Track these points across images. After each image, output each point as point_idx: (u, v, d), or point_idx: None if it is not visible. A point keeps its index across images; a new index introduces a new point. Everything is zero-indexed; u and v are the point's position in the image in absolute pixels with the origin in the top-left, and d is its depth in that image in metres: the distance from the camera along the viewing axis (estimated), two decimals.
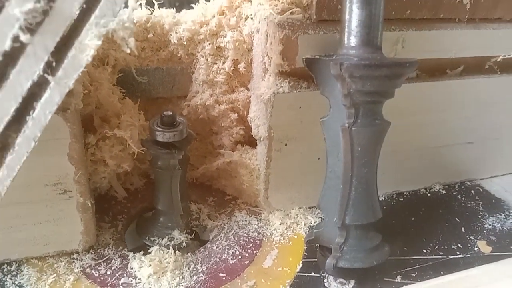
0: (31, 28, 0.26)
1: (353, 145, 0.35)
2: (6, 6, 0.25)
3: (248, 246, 0.42)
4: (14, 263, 0.39)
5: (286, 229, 0.45)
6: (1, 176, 0.30)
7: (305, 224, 0.45)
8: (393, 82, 0.33)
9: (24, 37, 0.26)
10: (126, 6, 0.26)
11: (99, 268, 0.39)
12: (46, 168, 0.36)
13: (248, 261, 0.40)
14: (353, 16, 0.33)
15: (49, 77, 0.27)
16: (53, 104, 0.28)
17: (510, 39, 0.47)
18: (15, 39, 0.26)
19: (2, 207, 0.35)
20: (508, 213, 0.50)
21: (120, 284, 0.38)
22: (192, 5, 0.46)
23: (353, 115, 0.34)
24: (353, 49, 0.34)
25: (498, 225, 0.48)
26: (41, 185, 0.37)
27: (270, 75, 0.41)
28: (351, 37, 0.34)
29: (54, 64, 0.27)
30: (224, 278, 0.38)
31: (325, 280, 0.39)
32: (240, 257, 0.41)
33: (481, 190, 0.54)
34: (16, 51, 0.26)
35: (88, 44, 0.26)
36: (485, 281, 0.35)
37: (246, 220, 0.46)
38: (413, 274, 0.40)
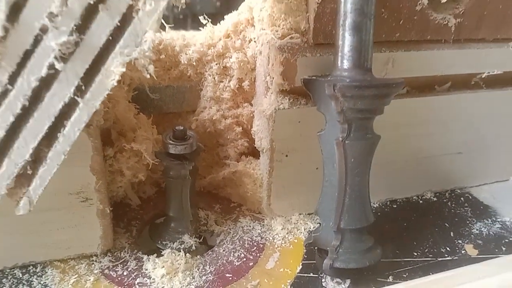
0: (64, 57, 0.30)
1: (347, 157, 0.38)
2: (44, 39, 0.29)
3: (252, 249, 0.45)
4: (39, 264, 0.42)
5: (287, 233, 0.47)
6: (34, 186, 0.34)
7: (304, 229, 0.48)
8: (381, 100, 0.37)
9: (58, 65, 0.29)
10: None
11: (116, 269, 0.42)
12: (70, 178, 0.39)
13: (252, 263, 0.43)
14: (345, 42, 0.37)
15: (79, 99, 0.31)
16: (81, 123, 0.32)
17: (493, 58, 0.50)
18: (51, 66, 0.30)
19: (31, 213, 0.38)
20: (495, 219, 0.53)
21: (136, 283, 0.40)
22: (199, 17, 0.48)
23: (346, 130, 0.37)
24: (346, 71, 0.37)
25: (485, 230, 0.50)
26: (66, 194, 0.40)
27: (272, 93, 0.44)
28: (344, 60, 0.37)
29: (83, 87, 0.31)
30: (230, 278, 0.41)
31: (323, 280, 0.42)
32: (245, 259, 0.44)
33: (470, 197, 0.57)
34: (50, 77, 0.30)
35: (113, 70, 0.30)
36: (468, 279, 0.38)
37: (250, 226, 0.49)
38: (404, 275, 0.43)
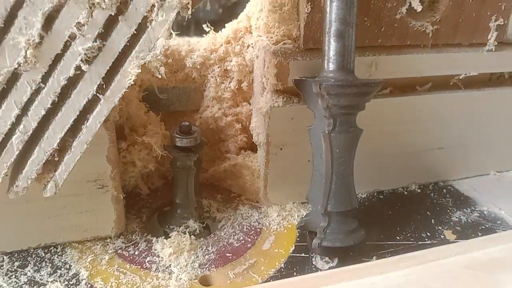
0: (89, 60, 0.34)
1: (332, 148, 0.42)
2: (72, 45, 0.34)
3: (250, 233, 0.49)
4: (59, 245, 0.46)
5: (282, 219, 0.51)
6: (60, 171, 0.38)
7: (298, 216, 0.52)
8: (362, 98, 0.41)
9: (84, 67, 0.34)
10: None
11: (128, 249, 0.46)
12: (89, 167, 0.43)
13: (250, 245, 0.47)
14: (331, 47, 0.41)
15: (100, 96, 0.35)
16: (102, 116, 0.37)
17: (469, 61, 0.54)
18: (77, 68, 0.34)
19: (53, 199, 0.42)
20: (473, 208, 0.56)
21: (146, 261, 0.45)
22: (203, 25, 0.52)
23: (331, 124, 0.41)
24: (331, 73, 0.42)
25: (464, 218, 0.54)
26: (84, 181, 0.44)
27: (267, 93, 0.48)
28: (330, 63, 0.42)
29: (104, 86, 0.35)
30: (230, 257, 0.46)
31: (313, 260, 0.46)
32: (243, 241, 0.48)
33: (452, 189, 0.61)
34: (77, 77, 0.35)
35: (130, 71, 0.35)
36: (439, 257, 0.43)
37: (248, 213, 0.53)
38: (387, 255, 0.47)
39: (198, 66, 0.53)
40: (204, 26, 0.51)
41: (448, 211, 0.56)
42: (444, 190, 0.60)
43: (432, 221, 0.54)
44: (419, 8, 0.47)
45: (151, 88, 0.51)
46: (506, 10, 0.53)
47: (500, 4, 0.52)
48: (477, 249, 0.44)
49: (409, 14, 0.49)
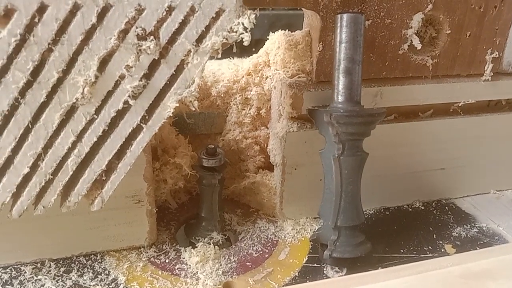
0: (135, 96, 0.39)
1: (342, 169, 0.47)
2: (121, 83, 0.40)
3: (268, 245, 0.54)
4: (99, 253, 0.50)
5: (296, 233, 0.55)
6: (106, 189, 0.44)
7: (310, 230, 0.56)
8: (368, 126, 0.46)
9: (131, 101, 0.39)
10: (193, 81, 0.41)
11: (160, 258, 0.50)
12: (127, 185, 0.46)
13: (267, 255, 0.52)
14: (340, 81, 0.46)
15: (143, 125, 0.40)
16: (144, 142, 0.42)
17: (467, 89, 0.58)
18: (125, 102, 0.39)
19: (95, 212, 0.45)
20: (473, 225, 0.60)
21: (176, 268, 0.49)
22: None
23: (341, 149, 0.46)
24: (340, 104, 0.47)
25: (464, 233, 0.57)
26: (123, 197, 0.48)
27: (283, 119, 0.52)
28: (339, 95, 0.47)
29: (147, 117, 0.40)
30: (250, 266, 0.50)
31: (324, 269, 0.50)
32: (261, 252, 0.52)
33: (454, 207, 0.64)
34: (124, 109, 0.40)
35: (169, 105, 0.40)
36: (435, 267, 0.47)
37: (266, 226, 0.57)
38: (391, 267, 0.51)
39: (222, 95, 0.58)
40: (229, 59, 0.56)
41: (449, 226, 0.59)
42: (446, 208, 0.63)
43: (434, 235, 0.57)
44: (419, 46, 0.52)
45: (180, 114, 0.56)
46: (500, 44, 0.58)
47: (495, 39, 0.57)
48: (471, 261, 0.49)
49: (410, 50, 0.54)
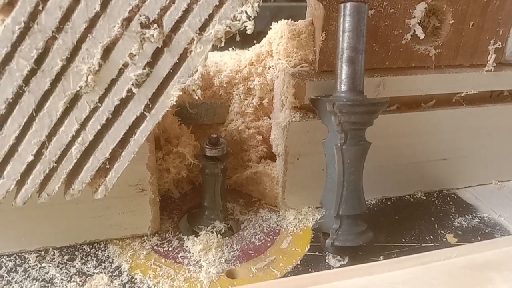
0: (138, 84, 0.39)
1: (344, 159, 0.47)
2: (125, 71, 0.40)
3: (270, 234, 0.54)
4: (102, 242, 0.51)
5: (298, 222, 0.56)
6: (110, 177, 0.44)
7: (312, 219, 0.56)
8: (370, 115, 0.47)
9: (134, 90, 0.39)
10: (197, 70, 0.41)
11: (163, 246, 0.51)
12: (131, 173, 0.47)
13: (269, 244, 0.52)
14: (343, 71, 0.46)
15: (147, 113, 0.41)
16: (147, 131, 0.42)
17: (469, 80, 0.58)
18: (129, 90, 0.39)
19: (99, 200, 0.46)
20: (475, 215, 0.60)
21: (179, 257, 0.50)
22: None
23: (343, 138, 0.46)
24: (343, 93, 0.47)
25: (465, 223, 0.58)
26: (127, 185, 0.49)
27: (286, 109, 0.52)
28: (342, 84, 0.47)
29: (150, 105, 0.40)
30: (252, 254, 0.51)
31: (326, 258, 0.51)
32: (264, 240, 0.53)
33: (456, 197, 0.64)
34: (128, 98, 0.40)
35: (172, 93, 0.40)
36: (440, 258, 0.48)
37: (268, 216, 0.57)
38: (392, 256, 0.51)
39: (225, 85, 0.58)
40: (230, 49, 0.57)
41: (451, 216, 0.60)
42: (448, 198, 0.64)
43: (436, 225, 0.58)
44: (422, 36, 0.52)
45: (183, 103, 0.57)
46: (503, 34, 0.58)
47: (498, 29, 0.57)
48: (475, 252, 0.49)
49: (413, 40, 0.54)
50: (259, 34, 0.56)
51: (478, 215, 0.61)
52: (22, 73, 0.37)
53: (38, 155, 0.40)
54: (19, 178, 0.41)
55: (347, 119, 0.46)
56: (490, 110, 0.62)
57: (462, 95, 0.60)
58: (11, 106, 0.38)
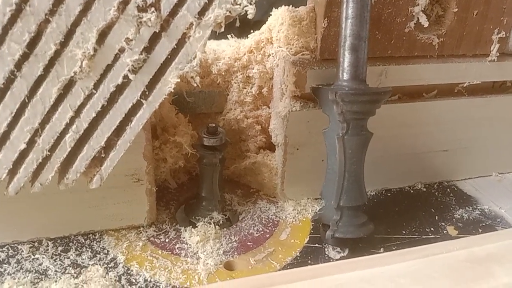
0: (135, 70, 0.38)
1: (345, 149, 0.46)
2: (121, 57, 0.39)
3: (269, 225, 0.53)
4: (97, 233, 0.50)
5: (297, 213, 0.55)
6: (105, 166, 0.43)
7: (311, 210, 0.56)
8: (373, 105, 0.46)
9: (130, 76, 0.38)
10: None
11: (159, 237, 0.50)
12: (127, 162, 0.46)
13: (268, 235, 0.52)
14: (345, 59, 0.45)
15: (143, 101, 0.39)
16: (144, 119, 0.41)
17: (472, 70, 0.57)
18: (125, 77, 0.38)
19: (94, 190, 0.45)
20: (475, 207, 0.60)
21: (176, 248, 0.49)
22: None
23: (345, 128, 0.45)
24: (345, 82, 0.46)
25: (466, 215, 0.58)
26: (122, 175, 0.48)
27: (286, 98, 0.52)
28: (344, 73, 0.46)
29: (147, 92, 0.39)
30: (251, 246, 0.50)
31: (326, 250, 0.50)
32: (262, 232, 0.52)
33: (456, 189, 0.64)
34: (124, 84, 0.39)
35: (170, 80, 0.39)
36: (442, 251, 0.47)
37: (266, 207, 0.57)
38: (393, 248, 0.51)
39: (223, 73, 0.57)
40: (229, 36, 0.55)
41: (451, 208, 0.59)
42: (448, 190, 0.64)
43: (436, 217, 0.57)
44: (425, 23, 0.51)
45: (180, 92, 0.55)
46: (507, 23, 0.57)
47: (502, 18, 0.56)
48: (477, 245, 0.48)
49: (416, 28, 0.53)
50: (255, 24, 0.55)
51: (478, 207, 0.60)
52: (13, 58, 0.35)
53: (31, 143, 0.39)
54: (11, 167, 0.39)
55: (349, 108, 0.45)
56: (492, 101, 0.61)
57: (465, 85, 0.59)
58: (3, 92, 0.37)
